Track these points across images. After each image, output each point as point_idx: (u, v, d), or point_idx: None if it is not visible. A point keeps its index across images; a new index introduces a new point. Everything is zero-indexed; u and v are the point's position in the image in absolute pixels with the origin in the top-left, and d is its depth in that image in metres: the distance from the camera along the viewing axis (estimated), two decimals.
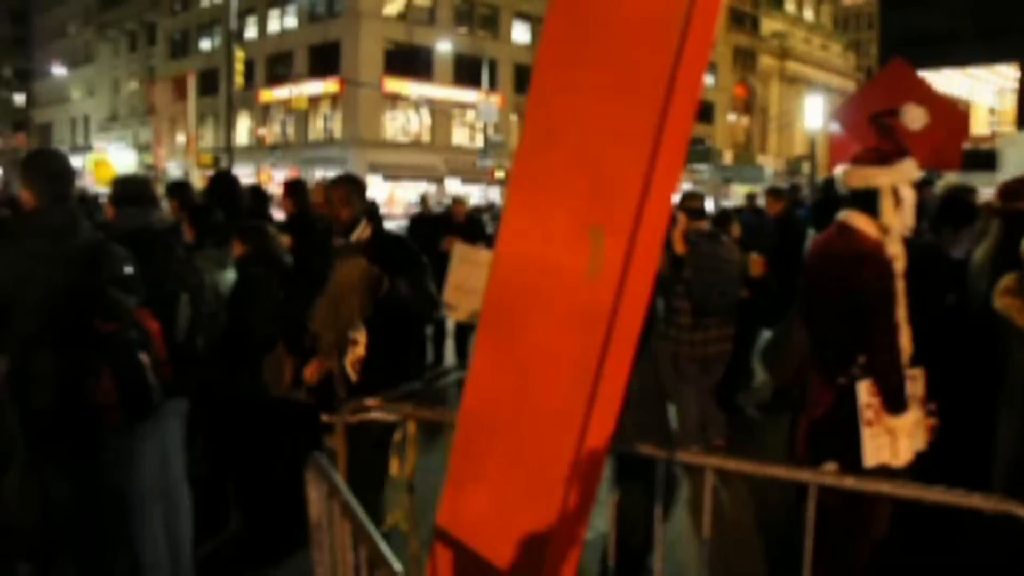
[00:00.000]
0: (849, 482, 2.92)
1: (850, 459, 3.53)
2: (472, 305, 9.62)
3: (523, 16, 54.39)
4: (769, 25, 71.58)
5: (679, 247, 5.77)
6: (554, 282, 2.57)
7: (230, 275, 5.20)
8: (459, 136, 52.98)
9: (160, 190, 5.80)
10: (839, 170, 3.86)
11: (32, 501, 2.74)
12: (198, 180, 33.57)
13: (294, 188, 7.21)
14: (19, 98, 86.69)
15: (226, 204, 6.03)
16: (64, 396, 3.58)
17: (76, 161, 57.70)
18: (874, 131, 3.81)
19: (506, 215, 2.71)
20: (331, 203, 4.65)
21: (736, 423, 7.45)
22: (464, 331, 10.19)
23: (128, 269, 3.76)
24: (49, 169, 3.83)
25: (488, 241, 9.79)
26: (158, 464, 4.27)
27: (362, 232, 4.62)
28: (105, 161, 47.39)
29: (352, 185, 4.73)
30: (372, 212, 4.73)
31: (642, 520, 3.62)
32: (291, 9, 53.34)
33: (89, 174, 46.55)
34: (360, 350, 4.51)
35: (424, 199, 14.78)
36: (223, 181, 6.74)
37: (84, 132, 75.15)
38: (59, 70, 72.34)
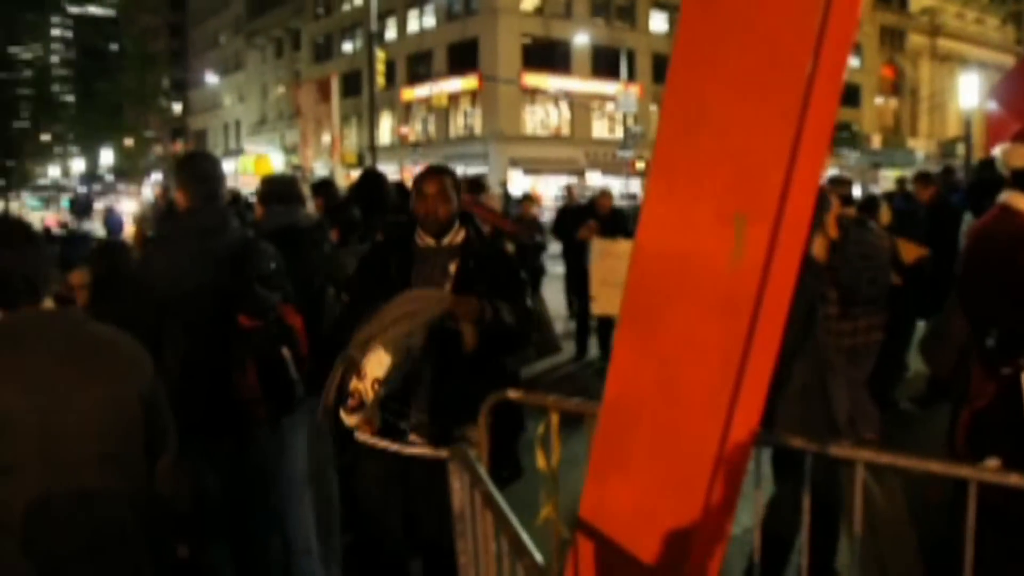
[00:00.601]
0: (1014, 479, 2.76)
1: (1015, 454, 3.34)
2: (618, 298, 9.55)
3: (660, 5, 53.80)
4: (918, 1, 68.57)
5: (832, 231, 5.57)
6: (696, 271, 2.52)
7: None
8: (599, 128, 52.83)
9: (307, 189, 5.97)
10: (999, 150, 3.66)
11: (184, 488, 2.87)
12: (343, 179, 34.47)
13: None
14: (176, 107, 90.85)
15: (373, 201, 6.17)
16: (211, 390, 3.73)
17: (229, 165, 60.08)
18: None
19: (647, 204, 2.68)
20: (425, 198, 3.82)
21: (888, 417, 7.17)
22: (607, 324, 10.17)
23: (273, 266, 3.89)
24: (200, 171, 3.99)
25: (629, 234, 9.72)
26: (307, 453, 4.40)
27: (455, 236, 3.92)
28: (266, 158, 49.17)
29: (451, 178, 3.97)
30: (465, 215, 4.04)
31: (791, 516, 3.52)
32: (429, 9, 54.20)
33: (241, 175, 48.33)
34: (365, 384, 3.57)
35: (570, 190, 14.72)
36: (370, 178, 6.89)
37: (236, 136, 78.26)
38: (212, 78, 75.56)
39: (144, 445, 2.65)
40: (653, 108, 50.97)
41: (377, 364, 3.55)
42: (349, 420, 3.70)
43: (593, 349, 10.73)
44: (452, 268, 3.84)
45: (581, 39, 48.66)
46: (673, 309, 2.58)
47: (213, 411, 3.75)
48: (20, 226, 2.74)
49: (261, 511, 4.05)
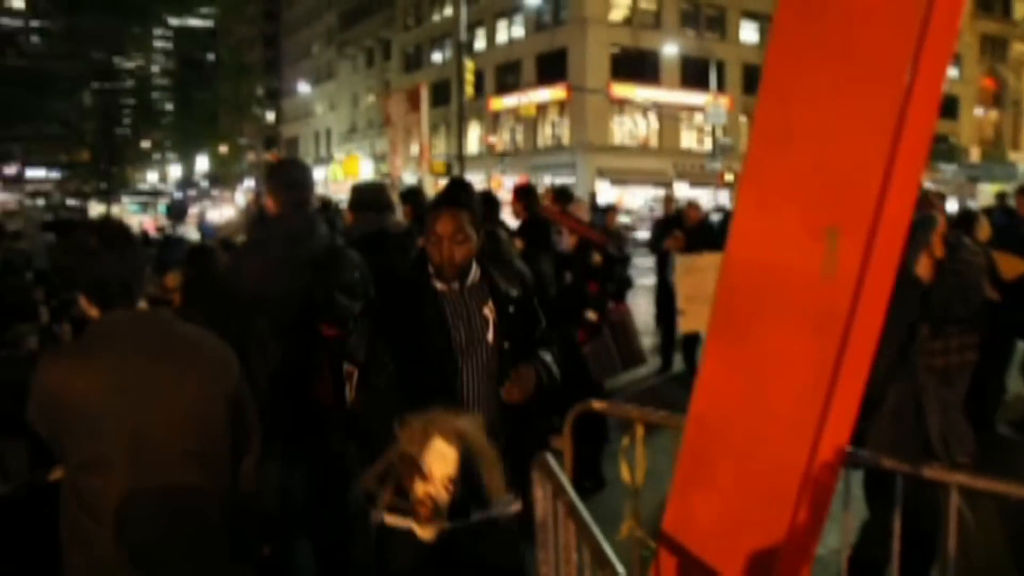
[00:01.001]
0: None
1: None
2: (704, 313, 9.43)
3: (751, 15, 53.20)
4: (1023, 8, 66.33)
5: (939, 250, 5.43)
6: (786, 284, 2.48)
7: None
8: (687, 139, 52.42)
9: (395, 197, 6.04)
10: None
11: (269, 488, 2.93)
12: (431, 187, 34.82)
13: (525, 193, 7.30)
14: (269, 115, 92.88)
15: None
16: (293, 394, 3.79)
17: (319, 172, 61.00)
18: None
19: (737, 215, 2.65)
20: (440, 241, 3.23)
21: (984, 440, 6.93)
22: (692, 337, 10.09)
23: (357, 275, 3.93)
24: (290, 178, 4.07)
25: (717, 247, 9.60)
26: None
27: (475, 275, 3.37)
28: (355, 159, 49.99)
29: (468, 213, 3.32)
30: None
31: (882, 540, 3.43)
32: (518, 19, 54.42)
33: (332, 183, 49.08)
34: (437, 487, 2.87)
35: (668, 200, 14.45)
36: (458, 187, 6.93)
37: (327, 144, 79.66)
38: (304, 88, 77.16)
39: (229, 444, 2.72)
40: (743, 120, 50.47)
41: (441, 460, 2.85)
42: (424, 532, 3.02)
43: (678, 362, 10.63)
44: (487, 312, 3.36)
45: (670, 49, 48.40)
46: (763, 322, 2.54)
47: (294, 415, 3.81)
48: (119, 229, 2.83)
49: (341, 513, 4.09)
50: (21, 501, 3.73)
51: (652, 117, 50.94)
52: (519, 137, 54.03)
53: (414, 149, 49.50)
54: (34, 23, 39.44)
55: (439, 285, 3.30)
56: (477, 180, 43.59)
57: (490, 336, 3.32)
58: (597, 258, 6.71)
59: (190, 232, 26.59)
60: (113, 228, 2.84)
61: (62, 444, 2.57)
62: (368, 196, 4.77)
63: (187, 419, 2.60)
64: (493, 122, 55.09)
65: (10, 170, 64.92)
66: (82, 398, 2.50)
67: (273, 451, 3.82)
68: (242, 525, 2.76)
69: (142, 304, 2.69)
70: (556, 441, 3.83)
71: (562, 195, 7.84)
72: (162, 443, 2.56)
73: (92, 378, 2.52)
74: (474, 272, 3.36)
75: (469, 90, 40.61)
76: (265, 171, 4.32)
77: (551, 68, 50.05)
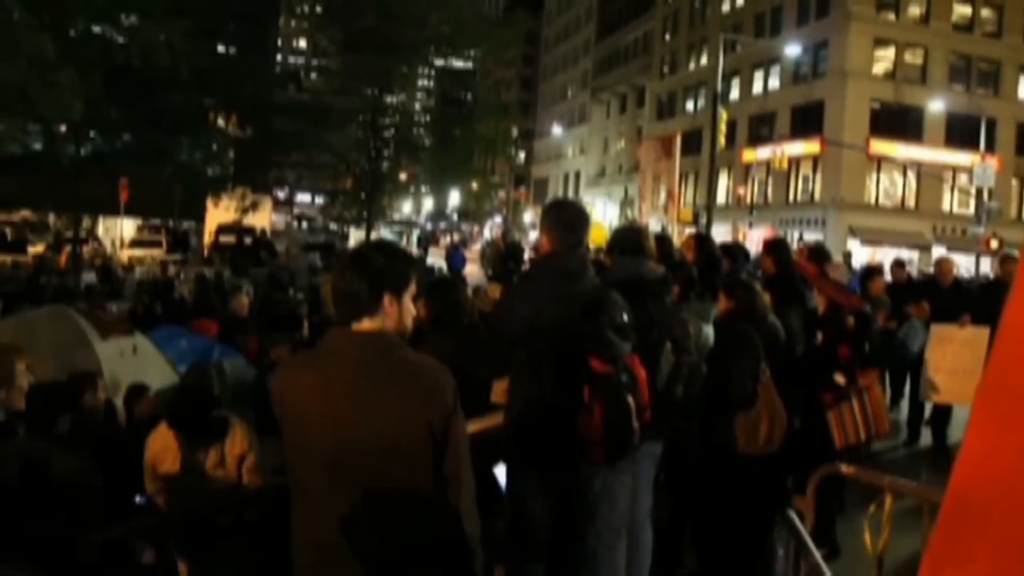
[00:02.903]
0: None
1: None
2: (953, 385, 8.98)
3: None
4: None
5: None
6: None
7: (709, 329, 5.33)
8: (948, 201, 49.68)
9: None
10: None
11: (485, 525, 2.95)
12: (676, 236, 34.75)
13: (776, 247, 7.18)
14: (520, 155, 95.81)
15: (707, 261, 6.22)
16: (555, 425, 3.90)
17: None
18: None
19: (1019, 282, 2.53)
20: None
21: None
22: (943, 412, 9.59)
23: (625, 317, 4.02)
24: (563, 219, 4.23)
25: (967, 308, 9.16)
26: (628, 500, 4.48)
27: None
28: (601, 228, 50.86)
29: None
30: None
31: None
32: (775, 70, 53.61)
33: None
34: None
35: (897, 266, 13.70)
36: (703, 240, 6.94)
37: (575, 186, 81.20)
38: (557, 130, 79.11)
39: (431, 471, 2.69)
40: (1014, 183, 47.36)
41: None
42: None
43: (926, 436, 10.08)
44: None
45: (936, 105, 46.18)
46: None
47: (554, 445, 3.93)
48: (367, 249, 2.95)
49: (580, 548, 4.16)
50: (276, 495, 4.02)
51: (911, 176, 48.65)
52: (769, 190, 53.02)
53: (662, 196, 49.54)
54: (314, 61, 42.76)
55: None
56: (723, 231, 43.11)
57: None
58: (851, 321, 6.51)
59: (439, 262, 27.79)
60: (362, 247, 2.99)
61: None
62: (628, 240, 4.84)
63: (381, 441, 2.61)
64: (743, 173, 54.34)
65: (282, 193, 70.31)
66: (292, 407, 2.67)
67: (525, 477, 3.97)
68: (446, 554, 2.73)
69: (374, 323, 2.71)
70: (799, 501, 3.75)
71: (818, 254, 7.63)
72: (355, 460, 2.61)
73: (303, 389, 2.67)
74: None
75: (721, 140, 40.31)
76: (545, 209, 4.48)
77: (806, 121, 48.96)
